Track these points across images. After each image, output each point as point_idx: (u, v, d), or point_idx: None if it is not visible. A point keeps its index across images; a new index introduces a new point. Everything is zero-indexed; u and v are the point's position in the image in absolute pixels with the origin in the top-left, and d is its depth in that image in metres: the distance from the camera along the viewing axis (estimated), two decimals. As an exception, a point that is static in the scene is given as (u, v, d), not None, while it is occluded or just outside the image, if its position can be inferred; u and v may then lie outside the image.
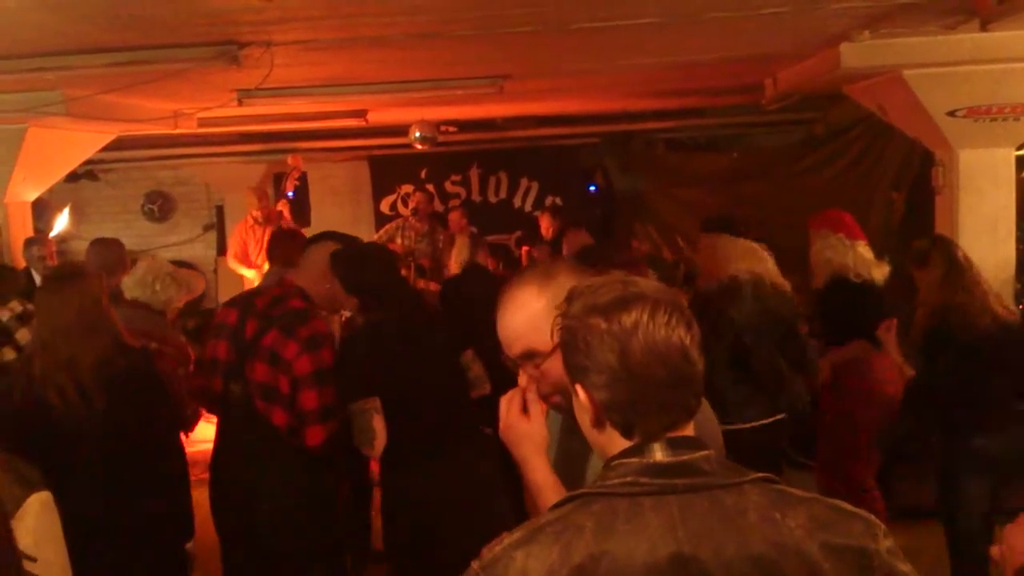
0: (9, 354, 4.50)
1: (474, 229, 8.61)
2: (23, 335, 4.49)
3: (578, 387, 1.46)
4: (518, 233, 9.85)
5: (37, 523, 1.95)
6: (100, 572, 3.17)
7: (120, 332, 3.40)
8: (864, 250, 4.70)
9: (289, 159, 8.57)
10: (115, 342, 3.34)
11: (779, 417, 4.30)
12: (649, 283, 1.47)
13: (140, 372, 3.40)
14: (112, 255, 5.01)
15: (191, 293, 4.77)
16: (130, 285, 4.44)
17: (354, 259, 3.61)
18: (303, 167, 8.69)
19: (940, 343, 4.06)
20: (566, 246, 6.19)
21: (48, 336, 3.26)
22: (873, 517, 1.42)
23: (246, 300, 3.72)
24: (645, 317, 1.39)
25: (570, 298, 1.48)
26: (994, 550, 1.85)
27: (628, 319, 1.39)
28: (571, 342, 1.45)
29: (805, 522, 1.36)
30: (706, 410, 2.12)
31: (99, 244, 5.16)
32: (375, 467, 4.91)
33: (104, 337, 3.31)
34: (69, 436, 3.20)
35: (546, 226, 8.87)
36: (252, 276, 8.21)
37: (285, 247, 4.74)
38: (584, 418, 1.48)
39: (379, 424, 3.38)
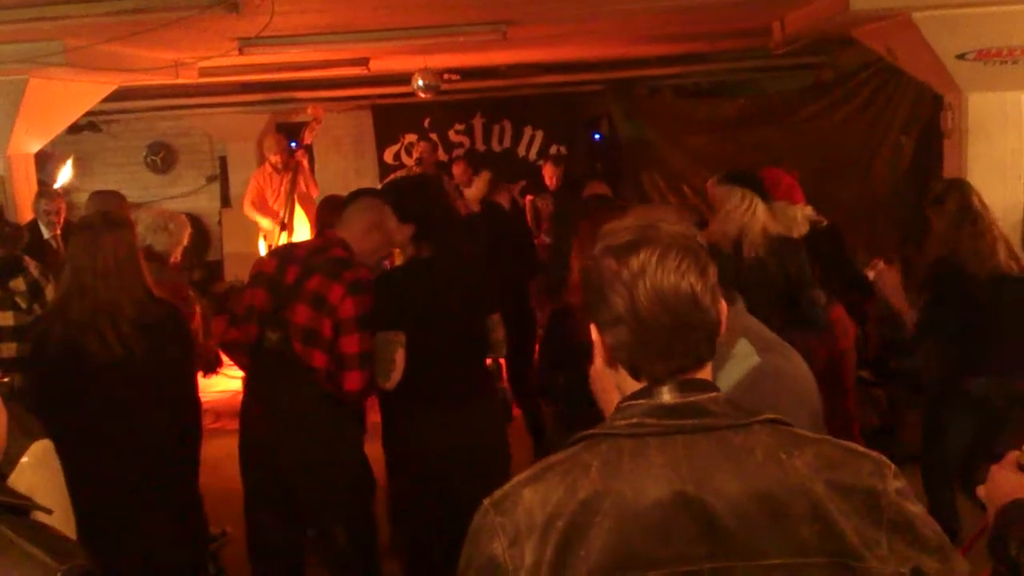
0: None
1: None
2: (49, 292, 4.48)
3: (592, 326, 1.46)
4: (523, 183, 9.80)
5: (38, 471, 1.96)
6: (120, 520, 3.25)
7: (150, 283, 3.44)
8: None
9: (309, 109, 8.49)
10: (147, 292, 3.40)
11: None
12: (671, 227, 1.44)
13: (173, 322, 3.49)
14: (112, 206, 5.01)
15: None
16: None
17: (412, 185, 3.60)
18: (323, 117, 8.58)
19: (947, 283, 4.10)
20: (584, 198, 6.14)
21: (90, 280, 3.27)
22: (884, 458, 1.40)
23: (286, 250, 3.77)
24: (654, 261, 1.37)
25: (599, 236, 1.47)
26: (980, 489, 1.86)
27: (636, 262, 1.38)
28: (587, 281, 1.45)
29: (812, 460, 1.35)
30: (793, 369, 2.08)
31: (99, 196, 5.16)
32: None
33: (139, 286, 3.37)
34: (106, 381, 3.26)
35: (549, 175, 8.82)
36: (268, 225, 8.17)
37: (336, 215, 4.81)
38: (598, 358, 1.49)
39: (400, 359, 3.38)
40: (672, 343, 1.39)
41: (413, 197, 3.60)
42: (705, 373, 1.44)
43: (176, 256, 4.63)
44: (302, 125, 8.49)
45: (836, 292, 4.78)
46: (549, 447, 4.21)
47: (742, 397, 1.78)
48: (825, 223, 4.85)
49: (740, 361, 1.98)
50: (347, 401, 3.51)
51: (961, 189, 4.23)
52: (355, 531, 3.62)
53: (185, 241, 4.67)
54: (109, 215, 3.59)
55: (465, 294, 3.55)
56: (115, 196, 5.21)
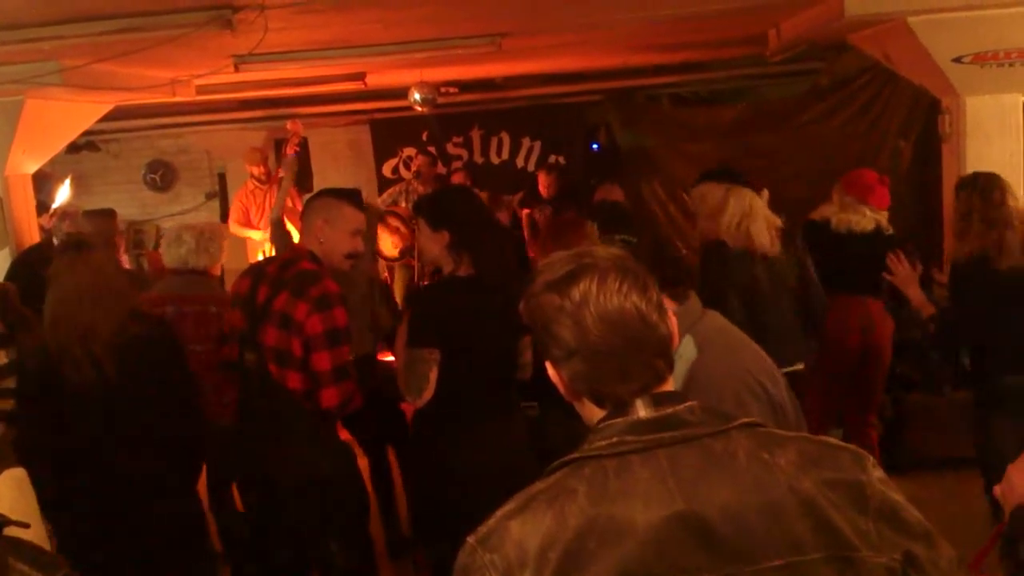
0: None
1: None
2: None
3: (547, 364, 1.48)
4: (521, 194, 9.79)
5: (11, 499, 1.96)
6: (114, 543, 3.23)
7: (135, 301, 3.42)
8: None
9: (288, 124, 8.49)
10: (128, 311, 3.37)
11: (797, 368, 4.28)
12: (605, 251, 1.47)
13: (153, 340, 3.43)
14: (105, 225, 5.03)
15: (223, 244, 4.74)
16: (166, 254, 4.54)
17: (447, 191, 3.53)
18: (303, 132, 8.62)
19: (969, 280, 4.08)
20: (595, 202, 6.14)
21: (66, 307, 3.27)
22: (860, 449, 1.42)
23: (259, 268, 3.69)
24: (594, 287, 1.39)
25: (533, 274, 1.49)
26: (995, 489, 1.85)
27: (577, 292, 1.40)
28: (533, 321, 1.47)
29: (794, 458, 1.36)
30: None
31: (92, 215, 5.17)
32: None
33: (115, 307, 3.33)
34: (84, 405, 3.25)
35: (544, 184, 8.81)
36: (259, 237, 8.16)
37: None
38: (562, 392, 1.49)
39: (433, 377, 3.34)
40: (628, 365, 1.39)
41: (447, 202, 3.52)
42: (668, 387, 1.44)
43: (217, 270, 4.67)
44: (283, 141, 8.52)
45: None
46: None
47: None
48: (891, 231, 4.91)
49: (682, 361, 2.01)
50: (327, 418, 3.47)
51: (984, 183, 4.19)
52: (350, 547, 3.59)
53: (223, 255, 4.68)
54: (81, 239, 3.58)
55: (502, 315, 3.47)
56: (106, 214, 5.22)
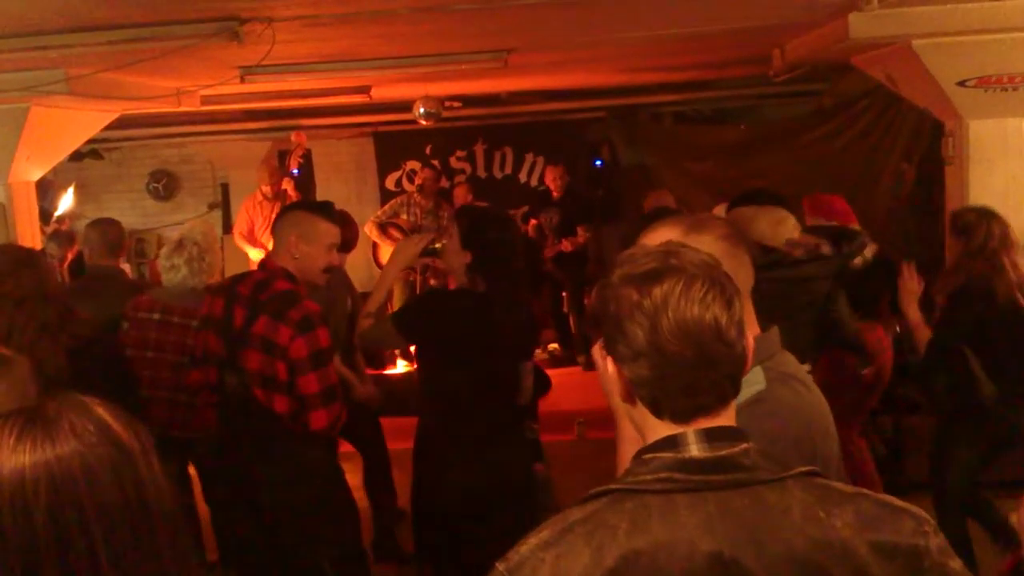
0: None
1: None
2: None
3: (608, 359, 1.39)
4: (524, 208, 9.81)
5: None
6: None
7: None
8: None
9: (293, 136, 8.54)
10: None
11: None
12: (695, 254, 1.37)
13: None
14: (112, 235, 5.02)
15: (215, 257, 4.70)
16: (164, 277, 4.49)
17: (486, 216, 3.53)
18: (307, 144, 8.66)
19: (961, 309, 4.15)
20: (647, 204, 6.16)
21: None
22: (923, 512, 1.35)
23: (229, 288, 3.51)
24: (677, 291, 1.30)
25: (615, 263, 1.40)
26: (1013, 516, 1.84)
27: (659, 292, 1.30)
28: (604, 312, 1.37)
29: (852, 520, 1.28)
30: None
31: (99, 224, 5.17)
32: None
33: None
34: None
35: (551, 178, 8.86)
36: (257, 256, 8.19)
37: (349, 229, 4.86)
38: (613, 391, 1.41)
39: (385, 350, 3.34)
40: (695, 380, 1.31)
41: (483, 226, 3.47)
42: (729, 414, 1.36)
43: (216, 278, 4.60)
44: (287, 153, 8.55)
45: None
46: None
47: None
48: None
49: (746, 388, 1.93)
50: (317, 439, 3.42)
51: (989, 219, 4.22)
52: (344, 564, 3.54)
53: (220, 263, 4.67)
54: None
55: (507, 337, 3.45)
56: (112, 224, 5.20)
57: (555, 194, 8.96)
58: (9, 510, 1.14)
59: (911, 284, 4.27)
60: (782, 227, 3.73)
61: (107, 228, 5.10)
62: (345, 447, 4.62)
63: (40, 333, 3.24)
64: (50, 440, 1.17)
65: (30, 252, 3.73)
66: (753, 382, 1.91)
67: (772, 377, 1.93)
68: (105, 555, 1.16)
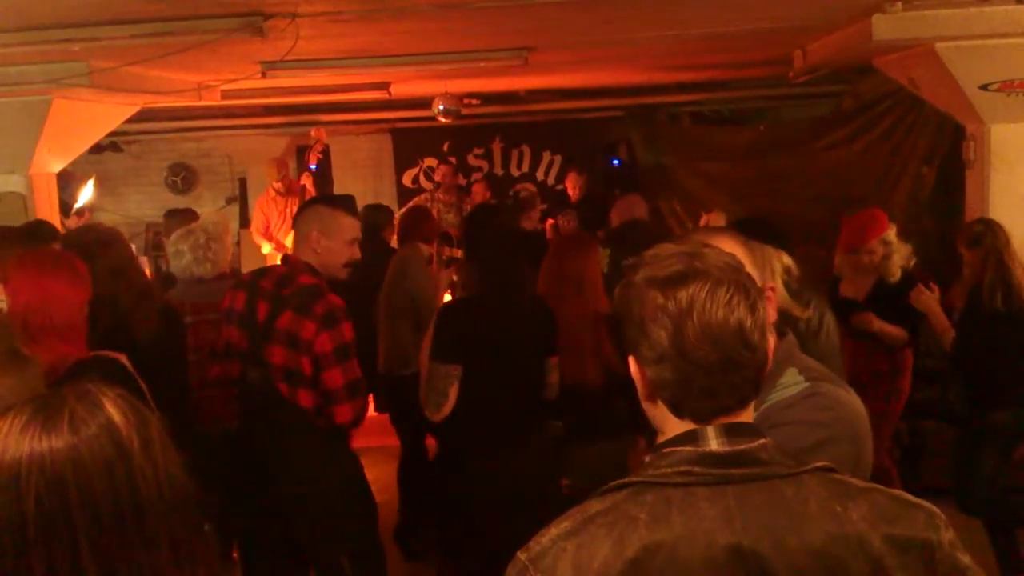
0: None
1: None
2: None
3: (630, 359, 1.40)
4: (544, 206, 9.81)
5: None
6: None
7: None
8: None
9: (312, 132, 8.56)
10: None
11: None
12: (719, 257, 1.38)
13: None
14: (189, 222, 5.05)
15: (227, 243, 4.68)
16: (171, 263, 4.51)
17: (479, 211, 3.50)
18: (326, 140, 8.68)
19: (976, 318, 4.23)
20: (615, 214, 6.06)
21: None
22: (934, 508, 1.37)
23: (251, 282, 3.51)
24: (703, 295, 1.31)
25: (636, 264, 1.40)
26: None
27: (685, 295, 1.31)
28: (627, 313, 1.38)
29: (867, 513, 1.31)
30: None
31: (174, 214, 5.27)
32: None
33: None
34: None
35: (572, 184, 8.84)
36: (268, 251, 8.21)
37: (421, 224, 5.09)
38: (640, 392, 1.42)
39: (453, 393, 3.33)
40: (717, 383, 1.33)
41: (472, 222, 3.50)
42: (748, 414, 1.38)
43: (224, 269, 4.58)
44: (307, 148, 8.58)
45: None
46: None
47: (784, 412, 1.75)
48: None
49: (785, 389, 1.90)
50: (342, 433, 3.43)
51: (995, 231, 4.37)
52: (362, 559, 3.54)
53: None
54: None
55: (528, 334, 3.46)
56: (190, 214, 5.33)
57: (573, 199, 8.95)
58: (4, 494, 1.24)
59: (923, 297, 4.41)
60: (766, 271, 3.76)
61: (182, 218, 5.20)
62: (358, 442, 4.62)
63: (138, 300, 3.54)
64: (47, 433, 1.26)
65: (113, 230, 3.97)
66: (791, 383, 1.92)
67: (813, 376, 1.94)
68: (86, 545, 1.24)
